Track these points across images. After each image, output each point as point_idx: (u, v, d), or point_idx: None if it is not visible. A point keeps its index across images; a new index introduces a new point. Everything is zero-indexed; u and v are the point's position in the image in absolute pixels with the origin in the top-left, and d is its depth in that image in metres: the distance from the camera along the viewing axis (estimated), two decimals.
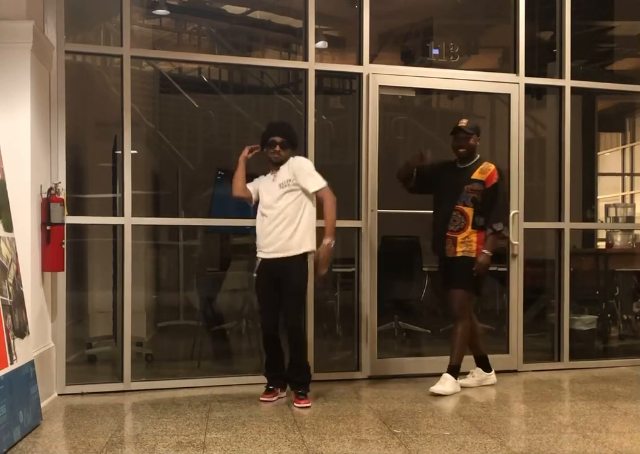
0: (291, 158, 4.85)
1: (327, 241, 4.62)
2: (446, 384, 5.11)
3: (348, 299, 5.97)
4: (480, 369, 5.41)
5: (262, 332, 4.91)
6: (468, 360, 5.36)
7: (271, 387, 4.88)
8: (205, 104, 8.19)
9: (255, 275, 4.91)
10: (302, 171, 4.75)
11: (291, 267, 4.74)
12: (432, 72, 6.01)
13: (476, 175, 5.22)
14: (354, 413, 4.55)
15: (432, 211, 5.38)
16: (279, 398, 4.87)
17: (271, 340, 4.88)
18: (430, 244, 5.36)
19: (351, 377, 5.57)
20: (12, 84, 4.40)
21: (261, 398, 4.83)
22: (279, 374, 4.90)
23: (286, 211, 4.73)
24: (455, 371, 5.19)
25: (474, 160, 5.28)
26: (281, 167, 4.82)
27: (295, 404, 4.68)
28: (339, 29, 7.51)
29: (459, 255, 5.18)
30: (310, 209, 4.79)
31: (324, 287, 6.56)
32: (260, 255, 4.84)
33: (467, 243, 5.17)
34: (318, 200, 4.80)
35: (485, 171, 5.21)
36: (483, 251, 5.13)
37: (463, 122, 5.27)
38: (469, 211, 5.17)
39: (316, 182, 4.74)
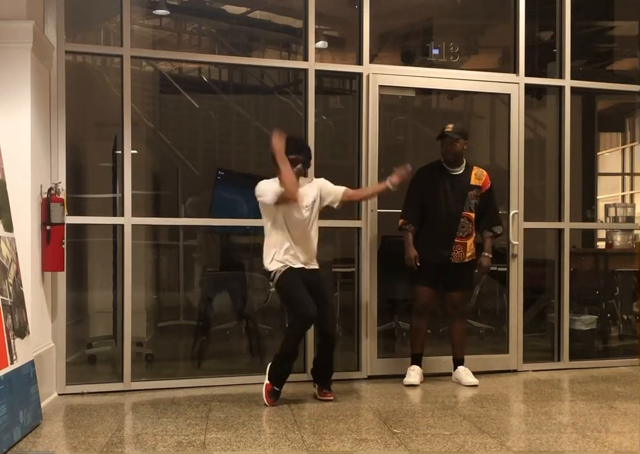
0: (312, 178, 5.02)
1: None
2: (471, 374, 5.36)
3: (348, 299, 5.96)
4: (419, 368, 5.45)
5: (305, 319, 4.68)
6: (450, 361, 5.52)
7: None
8: (205, 104, 8.19)
9: (276, 279, 4.79)
10: (326, 184, 4.97)
11: (322, 276, 5.01)
12: (432, 72, 6.01)
13: (473, 181, 5.39)
14: (354, 413, 4.55)
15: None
16: None
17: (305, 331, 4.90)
18: (428, 250, 5.34)
19: (351, 377, 5.57)
20: (12, 84, 4.40)
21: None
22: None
23: (315, 227, 4.95)
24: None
25: (464, 165, 5.39)
26: (305, 185, 4.89)
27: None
28: (339, 29, 7.51)
29: (467, 260, 5.37)
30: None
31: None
32: (295, 265, 4.80)
33: (472, 248, 5.38)
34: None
35: (479, 176, 5.41)
36: (486, 254, 5.40)
37: (449, 127, 5.32)
38: (473, 217, 5.36)
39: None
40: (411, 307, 5.60)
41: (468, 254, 5.35)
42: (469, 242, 5.36)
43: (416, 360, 5.44)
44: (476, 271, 5.42)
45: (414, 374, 5.35)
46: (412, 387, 5.28)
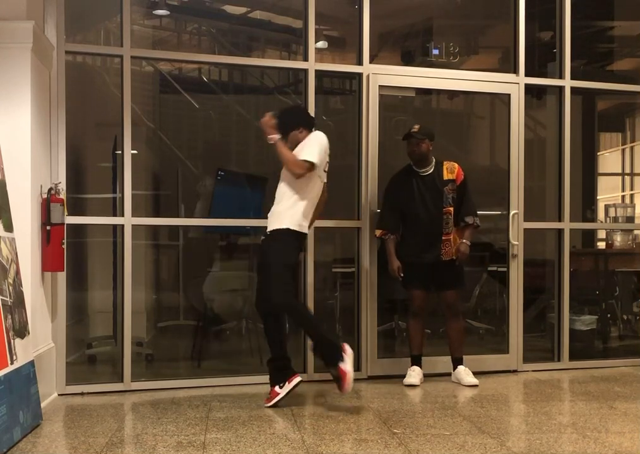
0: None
1: None
2: (471, 374, 5.37)
3: (348, 299, 5.96)
4: (419, 368, 5.46)
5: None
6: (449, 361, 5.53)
7: None
8: (205, 104, 8.18)
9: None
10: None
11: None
12: (432, 72, 6.01)
13: (446, 176, 5.39)
14: (354, 413, 4.55)
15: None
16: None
17: None
18: (417, 253, 5.34)
19: None
20: (12, 84, 4.40)
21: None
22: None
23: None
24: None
25: (434, 163, 5.39)
26: None
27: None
28: (339, 29, 7.51)
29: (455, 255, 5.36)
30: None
31: (324, 287, 6.57)
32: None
33: (457, 241, 5.38)
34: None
35: (452, 170, 5.41)
36: (464, 241, 5.35)
37: (415, 128, 5.33)
38: (453, 211, 5.37)
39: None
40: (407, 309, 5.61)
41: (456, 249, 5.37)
42: (453, 237, 5.36)
43: (416, 361, 5.44)
44: (454, 257, 5.34)
45: (414, 374, 5.36)
46: (412, 387, 5.28)
